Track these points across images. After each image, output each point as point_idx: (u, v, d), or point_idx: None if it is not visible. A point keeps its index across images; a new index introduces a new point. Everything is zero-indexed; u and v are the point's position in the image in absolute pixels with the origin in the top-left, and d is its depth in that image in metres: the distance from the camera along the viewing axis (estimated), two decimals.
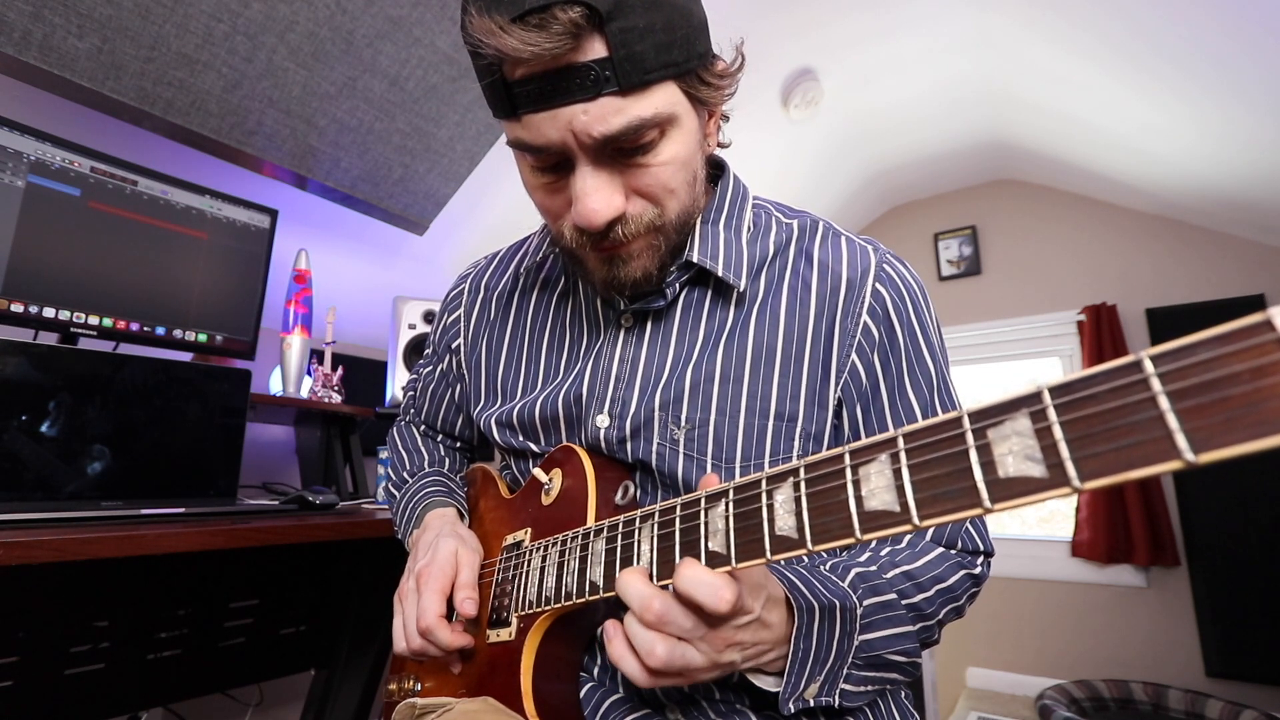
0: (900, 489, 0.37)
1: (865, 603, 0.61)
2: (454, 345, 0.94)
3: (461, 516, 0.90)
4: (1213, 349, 0.27)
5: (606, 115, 0.57)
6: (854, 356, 0.71)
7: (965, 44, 2.63)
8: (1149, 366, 0.28)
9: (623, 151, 0.60)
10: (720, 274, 0.71)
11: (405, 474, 1.02)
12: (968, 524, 0.72)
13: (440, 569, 0.74)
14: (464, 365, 0.92)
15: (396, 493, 1.00)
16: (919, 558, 0.68)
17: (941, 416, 0.36)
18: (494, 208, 2.37)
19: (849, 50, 2.59)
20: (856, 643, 0.59)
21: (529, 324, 0.86)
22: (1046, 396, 0.32)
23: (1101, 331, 3.40)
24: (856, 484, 0.40)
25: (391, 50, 1.65)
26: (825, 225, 0.78)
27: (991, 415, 0.34)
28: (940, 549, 0.70)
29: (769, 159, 3.04)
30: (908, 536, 0.71)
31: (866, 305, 0.71)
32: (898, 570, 0.66)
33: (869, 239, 0.77)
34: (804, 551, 0.42)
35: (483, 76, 0.60)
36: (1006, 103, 3.04)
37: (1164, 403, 0.28)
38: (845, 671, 0.59)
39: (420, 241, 2.27)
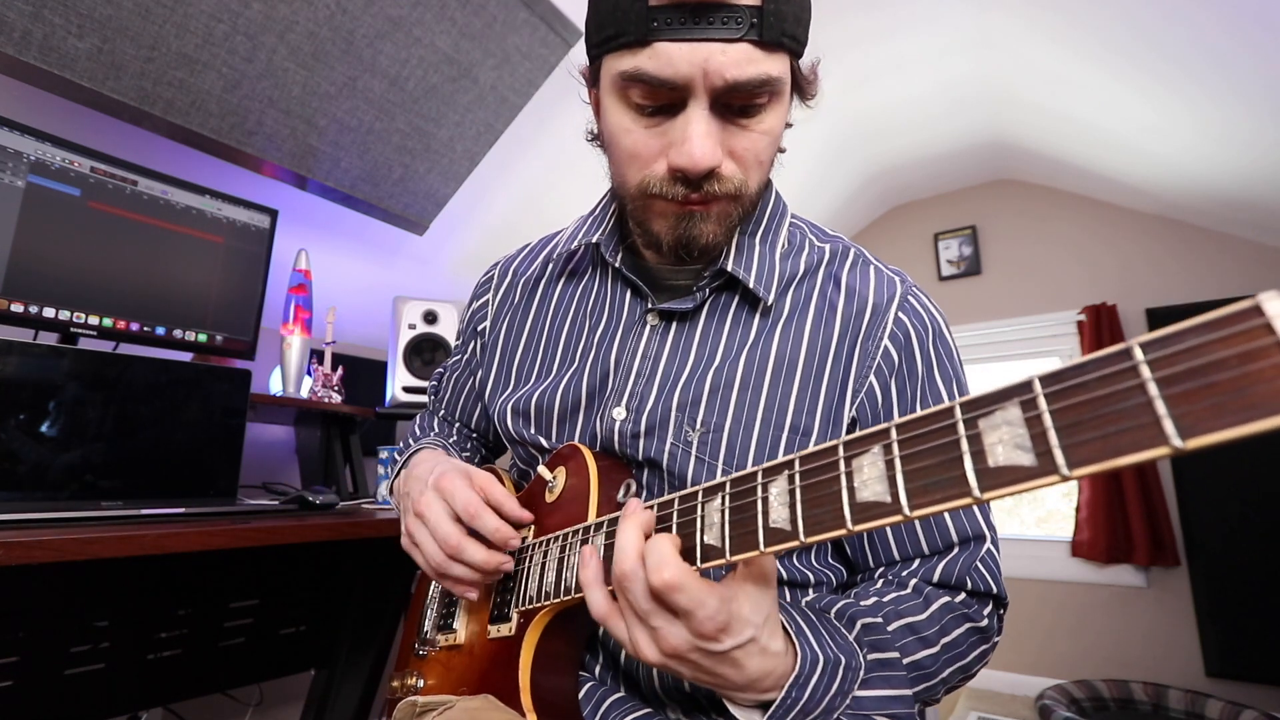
0: (892, 479, 0.37)
1: (868, 658, 0.59)
2: (480, 328, 0.93)
3: (448, 452, 0.89)
4: (1201, 335, 0.27)
5: (742, 62, 0.58)
6: (872, 378, 0.71)
7: (965, 44, 2.63)
8: (1138, 354, 0.28)
9: (731, 108, 0.61)
10: (751, 285, 0.72)
11: (410, 440, 1.01)
12: (977, 561, 0.70)
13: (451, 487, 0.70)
14: (486, 349, 0.92)
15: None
16: (926, 608, 0.66)
17: (934, 408, 0.37)
18: (494, 208, 2.38)
19: (849, 50, 2.59)
20: (848, 700, 0.56)
21: (552, 311, 0.86)
22: (1037, 386, 0.32)
23: (1101, 331, 3.40)
24: (849, 475, 0.40)
25: (391, 50, 1.65)
26: (857, 252, 0.79)
27: (983, 405, 0.34)
28: (946, 598, 0.68)
29: None
30: (913, 581, 0.69)
31: (888, 331, 0.72)
32: (902, 622, 0.64)
33: (898, 270, 0.78)
34: (797, 544, 0.42)
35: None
36: (1006, 103, 3.04)
37: (1152, 389, 0.28)
38: None
39: (420, 241, 2.27)
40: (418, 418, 1.10)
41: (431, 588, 0.93)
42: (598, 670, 0.73)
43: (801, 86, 0.68)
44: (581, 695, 0.71)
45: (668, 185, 0.65)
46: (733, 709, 0.55)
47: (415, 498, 0.72)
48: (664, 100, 0.62)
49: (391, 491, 0.99)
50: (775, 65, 0.60)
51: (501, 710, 0.64)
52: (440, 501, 0.69)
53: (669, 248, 0.71)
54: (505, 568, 0.68)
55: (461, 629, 0.80)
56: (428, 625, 0.88)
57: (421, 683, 0.83)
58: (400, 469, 0.90)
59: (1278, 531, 2.94)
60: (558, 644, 0.69)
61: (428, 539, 0.69)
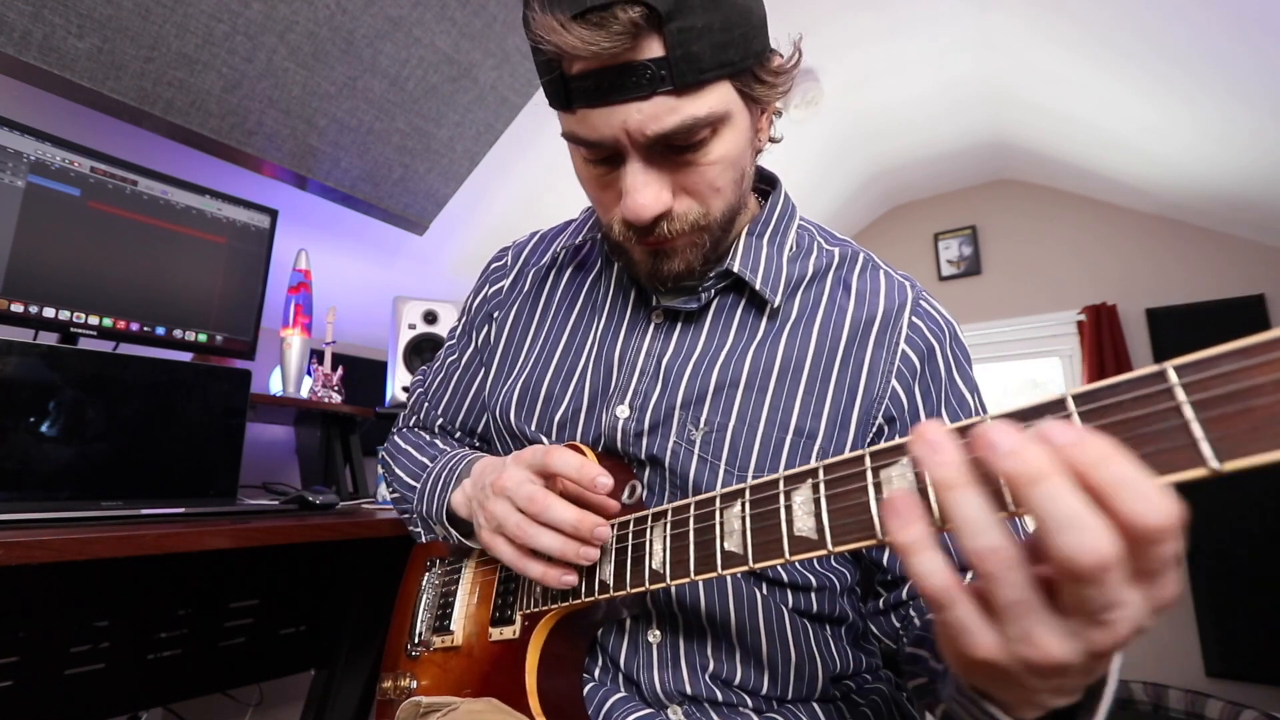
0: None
1: None
2: (495, 315, 0.91)
3: None
4: (1236, 361, 0.27)
5: (660, 114, 0.58)
6: (894, 382, 0.71)
7: (965, 44, 2.63)
8: (1173, 377, 0.29)
9: (673, 149, 0.61)
10: (757, 287, 0.72)
11: (424, 458, 0.89)
12: None
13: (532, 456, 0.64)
14: (494, 335, 0.89)
15: (415, 482, 0.86)
16: None
17: (964, 421, 0.36)
18: (494, 208, 2.37)
19: (849, 50, 2.59)
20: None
21: (558, 305, 0.86)
22: (1071, 404, 0.32)
23: (1101, 331, 3.40)
24: (878, 486, 0.40)
25: (391, 50, 1.65)
26: (866, 257, 0.80)
27: (1018, 420, 0.34)
28: None
29: (769, 159, 3.03)
30: None
31: (904, 335, 0.73)
32: None
33: (907, 275, 0.79)
34: (824, 553, 0.42)
35: (542, 71, 0.61)
36: (1006, 103, 3.04)
37: (1189, 412, 0.28)
38: None
39: (420, 241, 2.26)
40: (396, 436, 1.00)
41: (422, 585, 0.90)
42: (597, 671, 0.73)
43: (756, 96, 0.65)
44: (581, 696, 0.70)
45: (625, 230, 0.66)
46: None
47: (493, 479, 0.65)
48: (606, 154, 0.63)
49: (404, 492, 0.90)
50: (702, 104, 0.59)
51: (506, 713, 0.63)
52: (522, 469, 0.64)
53: (646, 279, 0.73)
54: (600, 534, 0.59)
55: (459, 631, 0.78)
56: (421, 626, 0.87)
57: (415, 684, 0.82)
58: (453, 480, 0.78)
59: (1278, 531, 2.95)
60: (563, 647, 0.68)
61: (508, 511, 0.62)
